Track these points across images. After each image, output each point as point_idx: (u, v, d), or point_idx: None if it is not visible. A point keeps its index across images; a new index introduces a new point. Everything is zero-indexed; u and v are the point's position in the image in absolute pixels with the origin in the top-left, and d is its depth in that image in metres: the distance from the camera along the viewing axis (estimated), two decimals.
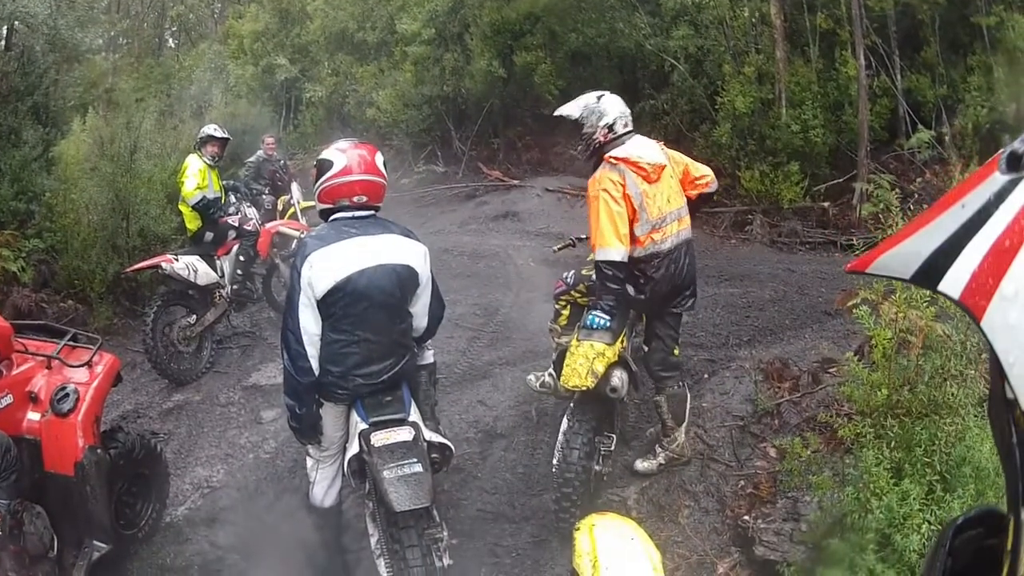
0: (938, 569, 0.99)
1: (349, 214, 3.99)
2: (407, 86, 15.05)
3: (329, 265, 3.81)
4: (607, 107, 4.75)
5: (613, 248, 4.53)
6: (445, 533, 3.90)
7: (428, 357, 4.51)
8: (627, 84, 12.57)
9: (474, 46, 14.98)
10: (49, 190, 9.29)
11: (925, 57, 12.00)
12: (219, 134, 8.45)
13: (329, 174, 3.97)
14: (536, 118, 14.86)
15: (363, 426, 3.84)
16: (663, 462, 5.07)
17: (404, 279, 3.95)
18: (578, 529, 2.12)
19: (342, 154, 4.01)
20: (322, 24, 16.28)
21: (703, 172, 5.03)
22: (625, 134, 4.73)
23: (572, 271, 5.30)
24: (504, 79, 14.83)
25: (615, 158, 4.63)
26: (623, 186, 4.54)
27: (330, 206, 4.01)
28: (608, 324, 4.61)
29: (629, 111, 4.85)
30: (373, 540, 4.01)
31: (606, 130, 4.71)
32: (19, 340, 4.92)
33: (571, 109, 4.83)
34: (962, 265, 0.79)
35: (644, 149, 4.70)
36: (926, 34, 11.93)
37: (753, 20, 13.30)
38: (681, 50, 13.35)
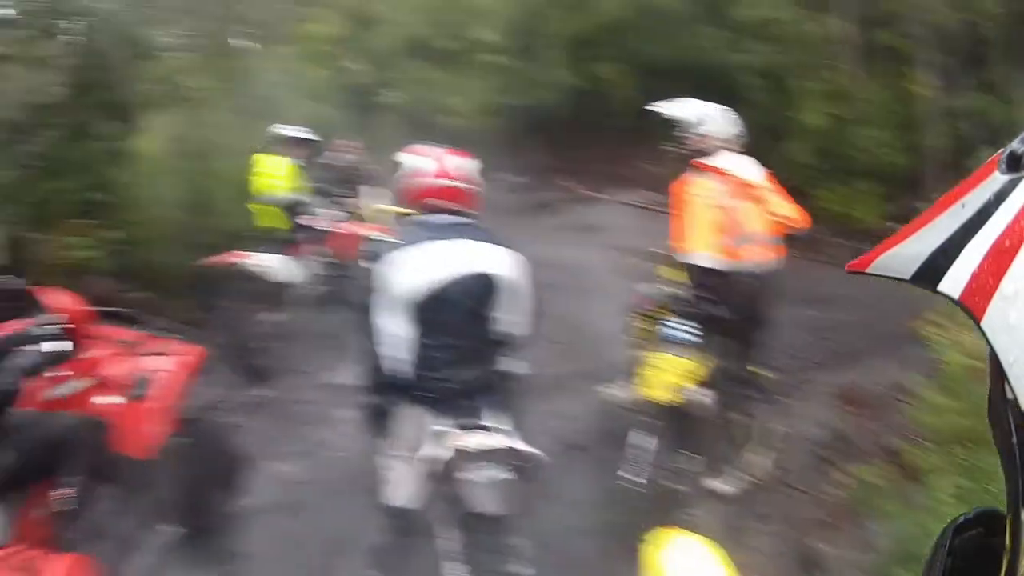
0: (937, 569, 0.99)
1: (440, 219, 3.99)
2: (484, 94, 15.03)
3: (418, 270, 3.83)
4: (710, 116, 4.75)
5: (700, 253, 4.51)
6: (519, 541, 3.91)
7: (514, 366, 4.47)
8: (703, 99, 12.53)
9: (551, 57, 14.96)
10: (123, 183, 9.44)
11: (990, 75, 11.78)
12: (300, 135, 8.60)
13: (414, 178, 4.02)
14: (613, 130, 14.80)
15: (446, 429, 3.83)
16: (738, 483, 5.04)
17: (494, 287, 3.93)
18: (648, 544, 2.11)
19: (427, 158, 4.06)
20: (397, 30, 16.31)
21: (787, 213, 4.97)
22: (722, 147, 4.71)
23: (651, 286, 5.28)
24: (582, 91, 14.80)
25: (705, 165, 4.61)
26: (714, 196, 4.53)
27: (421, 210, 4.04)
28: (691, 337, 4.60)
29: (736, 128, 4.82)
30: (446, 543, 3.99)
31: (702, 137, 4.69)
32: (101, 327, 5.02)
33: (673, 109, 4.83)
34: (962, 265, 0.79)
35: (738, 165, 4.68)
36: (991, 52, 11.74)
37: (823, 35, 13.04)
38: (755, 65, 13.25)
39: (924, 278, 0.83)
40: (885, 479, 4.40)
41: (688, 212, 4.57)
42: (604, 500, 5.05)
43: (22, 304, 4.66)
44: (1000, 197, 0.77)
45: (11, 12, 9.18)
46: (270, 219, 8.45)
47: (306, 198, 8.55)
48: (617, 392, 5.27)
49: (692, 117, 4.78)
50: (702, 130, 4.72)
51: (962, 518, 1.00)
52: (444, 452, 3.79)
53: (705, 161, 4.66)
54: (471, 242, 3.94)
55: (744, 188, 4.63)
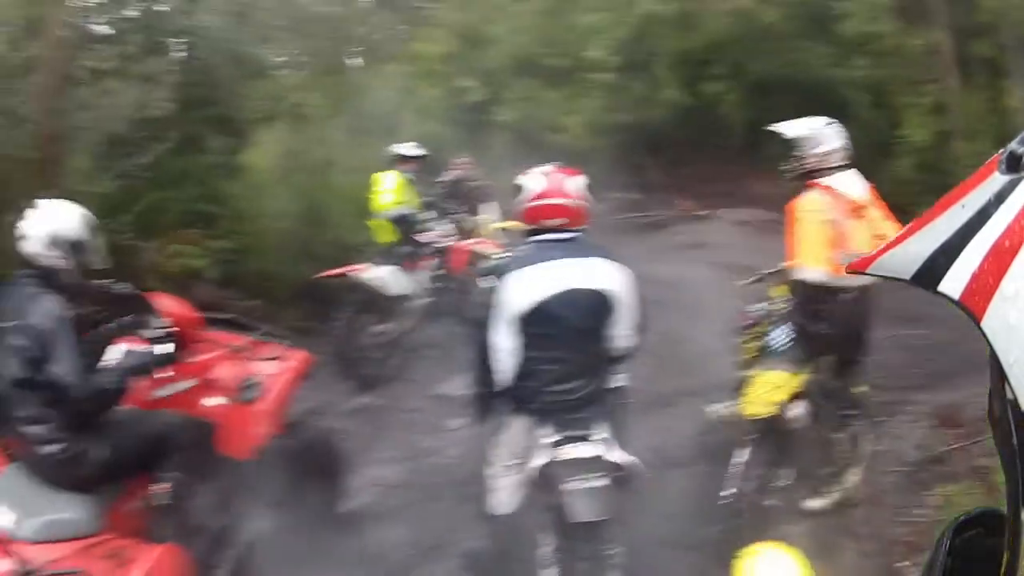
0: (937, 569, 0.98)
1: (551, 236, 4.06)
2: (597, 113, 14.96)
3: (529, 285, 3.92)
4: (827, 135, 4.73)
5: (811, 268, 4.49)
6: (617, 551, 3.91)
7: (619, 380, 4.49)
8: (810, 116, 12.38)
9: (661, 75, 14.90)
10: (236, 195, 9.63)
11: None
12: (415, 152, 8.75)
13: (530, 196, 4.07)
14: (725, 149, 14.71)
15: (551, 439, 3.91)
16: (834, 502, 4.98)
17: (602, 302, 3.99)
18: (740, 556, 2.10)
19: (543, 177, 4.12)
20: (507, 49, 16.40)
21: (887, 232, 4.91)
22: (838, 167, 4.69)
23: (758, 304, 5.26)
24: (692, 109, 14.72)
25: (822, 185, 4.59)
26: (826, 212, 4.50)
27: (533, 227, 4.10)
28: (793, 354, 4.58)
29: (848, 146, 4.80)
30: (544, 551, 4.04)
31: (819, 158, 4.67)
32: (209, 331, 5.17)
33: (790, 128, 4.82)
34: (962, 266, 0.79)
35: (852, 185, 4.65)
36: None
37: (923, 48, 12.76)
38: (860, 80, 13.04)
39: (924, 278, 0.83)
40: (974, 500, 4.30)
41: (800, 228, 4.55)
42: (700, 515, 5.03)
43: (132, 307, 4.82)
44: (1000, 197, 0.77)
45: (107, 28, 9.41)
46: (385, 234, 8.58)
47: (419, 213, 8.66)
48: (722, 410, 5.26)
49: (809, 136, 4.76)
50: (819, 149, 4.70)
51: (962, 518, 1.00)
52: (547, 461, 3.86)
53: (819, 179, 4.64)
54: (582, 259, 4.02)
55: (853, 206, 4.59)
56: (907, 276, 0.85)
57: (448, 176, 10.27)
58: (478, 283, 8.55)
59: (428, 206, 8.99)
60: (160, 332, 4.50)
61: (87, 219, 4.38)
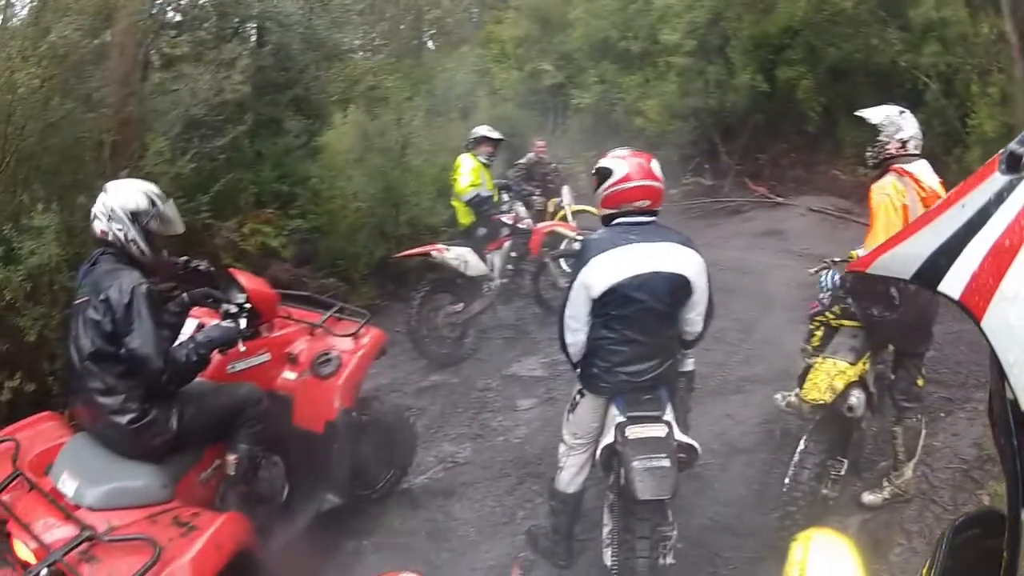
0: (937, 569, 1.00)
1: (630, 219, 4.11)
2: (673, 97, 14.90)
3: (608, 268, 3.96)
4: (906, 123, 4.72)
5: None
6: (674, 533, 3.97)
7: (688, 364, 4.61)
8: (883, 102, 12.21)
9: (736, 59, 14.75)
10: (313, 176, 9.76)
11: None
12: (492, 135, 8.75)
13: (612, 180, 4.11)
14: (800, 135, 14.53)
15: (620, 419, 3.97)
16: (888, 496, 4.98)
17: (678, 287, 4.03)
18: (795, 540, 2.13)
19: (623, 161, 4.15)
20: (584, 32, 16.34)
21: None
22: (914, 155, 4.69)
23: (828, 292, 5.25)
24: (767, 94, 14.56)
25: (902, 170, 4.58)
26: (904, 196, 4.50)
27: (614, 211, 4.14)
28: (860, 343, 4.60)
29: (920, 132, 4.79)
30: (605, 530, 4.19)
31: (900, 144, 4.67)
32: (286, 308, 5.30)
33: (873, 114, 4.81)
34: (962, 265, 0.79)
35: (926, 173, 4.65)
36: None
37: (992, 36, 12.42)
38: (932, 68, 12.80)
39: (924, 278, 0.84)
40: None
41: (876, 212, 4.54)
42: (759, 501, 5.08)
43: (209, 283, 4.95)
44: (1000, 197, 0.79)
45: (180, 16, 9.49)
46: (462, 215, 8.63)
47: (496, 195, 8.72)
48: (788, 399, 5.26)
49: (890, 123, 4.74)
50: (899, 136, 4.69)
51: (962, 518, 1.04)
52: (614, 440, 3.92)
53: (899, 166, 4.62)
54: (660, 243, 4.06)
55: (928, 194, 4.57)
56: (907, 275, 0.87)
57: (525, 159, 10.28)
58: (553, 265, 8.68)
59: (505, 188, 9.06)
60: (238, 307, 4.61)
61: (157, 195, 4.45)
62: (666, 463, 3.82)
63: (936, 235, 0.84)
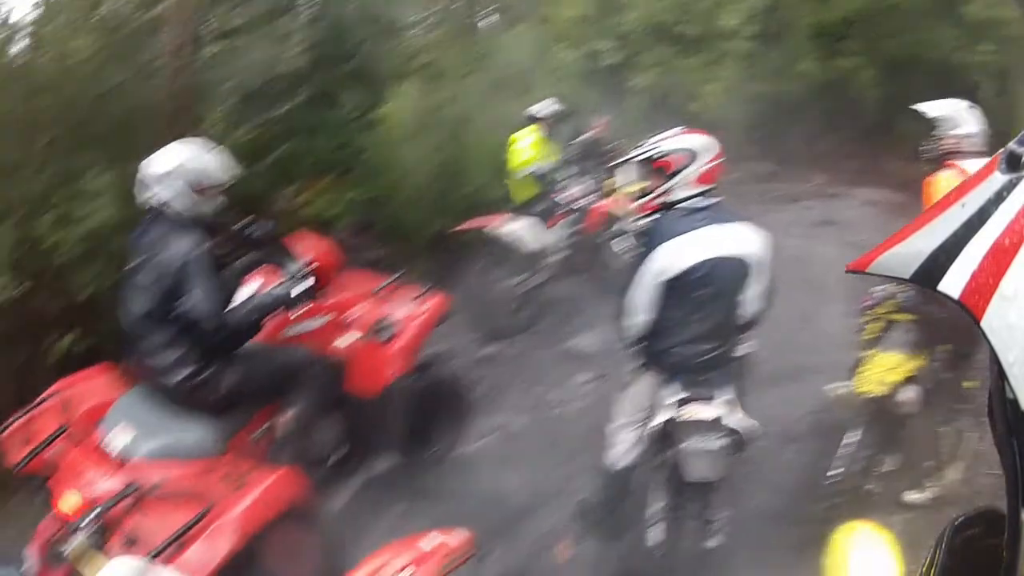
0: (937, 568, 1.00)
1: (701, 202, 4.10)
2: (730, 83, 14.76)
3: (680, 252, 3.97)
4: (966, 118, 4.69)
5: None
6: (722, 516, 4.06)
7: (746, 348, 4.61)
8: (940, 98, 12.09)
9: (794, 47, 14.63)
10: (370, 147, 9.81)
11: None
12: (552, 109, 8.84)
13: (710, 156, 4.11)
14: (857, 126, 14.40)
15: (675, 399, 4.00)
16: (931, 497, 4.95)
17: (744, 269, 4.05)
18: (838, 532, 2.14)
19: (704, 137, 4.17)
20: (640, 15, 16.18)
21: None
22: (973, 152, 4.65)
23: (883, 286, 5.21)
24: (824, 84, 14.43)
25: (958, 166, 4.55)
26: None
27: (673, 190, 4.12)
28: (913, 339, 4.59)
29: (983, 133, 4.75)
30: (653, 509, 4.20)
31: (957, 139, 4.64)
32: (349, 272, 5.40)
33: (932, 108, 4.78)
34: (962, 265, 0.79)
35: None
36: None
37: None
38: (984, 66, 12.63)
39: (924, 278, 0.85)
40: None
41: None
42: (806, 491, 5.08)
43: (268, 246, 5.01)
44: (1000, 197, 0.80)
45: None
46: (521, 191, 8.70)
47: (555, 171, 8.74)
48: (840, 390, 5.24)
49: (949, 117, 4.70)
50: (957, 131, 4.65)
51: (962, 518, 1.04)
52: (669, 419, 3.96)
53: (957, 162, 4.59)
54: (727, 224, 4.07)
55: None
56: (907, 275, 0.87)
57: (585, 136, 10.25)
58: (612, 243, 8.73)
59: (564, 164, 9.04)
60: (298, 270, 4.67)
61: (211, 155, 4.53)
62: (718, 445, 3.89)
63: (935, 235, 0.84)
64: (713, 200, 4.13)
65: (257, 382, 4.61)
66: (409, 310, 5.27)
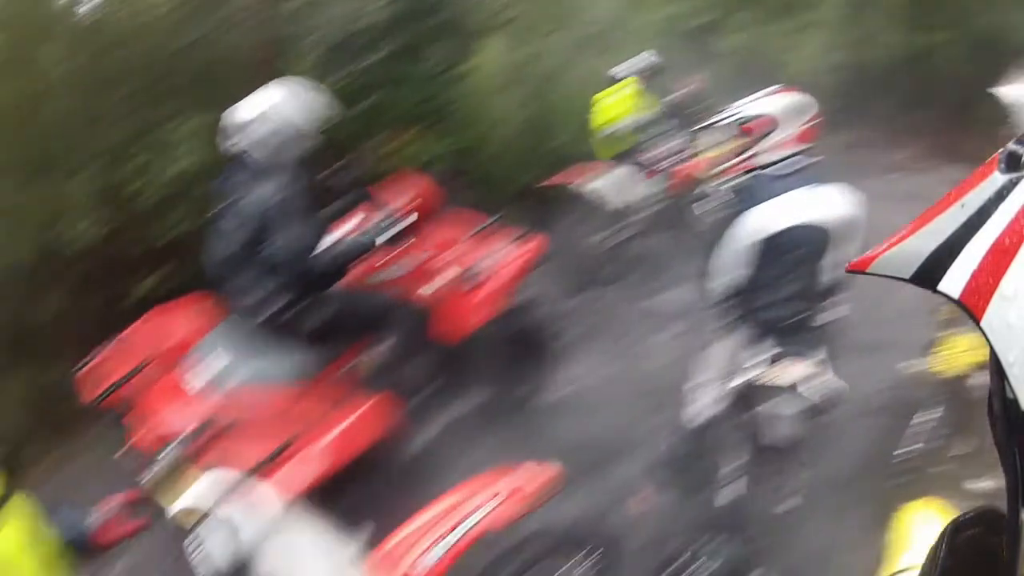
0: (936, 568, 1.00)
1: (797, 163, 4.13)
2: (817, 51, 14.52)
3: (772, 211, 3.97)
4: None
5: None
6: (795, 481, 4.13)
7: (837, 312, 4.57)
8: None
9: (881, 18, 14.36)
10: (456, 100, 9.88)
11: None
12: (647, 64, 8.95)
13: (812, 114, 4.16)
14: (948, 101, 14.11)
15: (761, 358, 4.02)
16: (994, 486, 4.92)
17: (838, 231, 4.02)
18: (902, 510, 2.18)
19: (793, 100, 4.20)
20: None
21: None
22: None
23: None
24: (915, 55, 14.17)
25: None
26: None
27: (768, 150, 4.14)
28: None
29: None
30: (728, 468, 4.23)
31: None
32: (444, 216, 5.56)
33: (1008, 92, 4.70)
34: (962, 265, 0.79)
35: None
36: None
37: None
38: None
39: (924, 278, 0.86)
40: None
41: None
42: (873, 466, 5.11)
43: (360, 193, 5.11)
44: (1000, 197, 0.81)
45: None
46: (609, 147, 8.77)
47: (649, 126, 8.79)
48: (916, 368, 5.22)
49: (1020, 104, 4.62)
50: None
51: (962, 518, 1.05)
52: (752, 380, 4.00)
53: None
54: (822, 186, 4.07)
55: None
56: (906, 275, 0.89)
57: (680, 93, 10.23)
58: (696, 206, 8.69)
59: (657, 120, 9.03)
60: (389, 216, 4.80)
61: (299, 101, 4.63)
62: (799, 407, 3.92)
63: (935, 235, 0.85)
64: (809, 161, 4.16)
65: (343, 322, 4.75)
66: (504, 254, 5.38)
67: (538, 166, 9.29)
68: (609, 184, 8.33)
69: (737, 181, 4.31)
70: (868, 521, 4.61)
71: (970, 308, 0.77)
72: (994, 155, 0.85)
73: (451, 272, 5.24)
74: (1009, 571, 0.83)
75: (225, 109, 4.65)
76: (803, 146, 4.16)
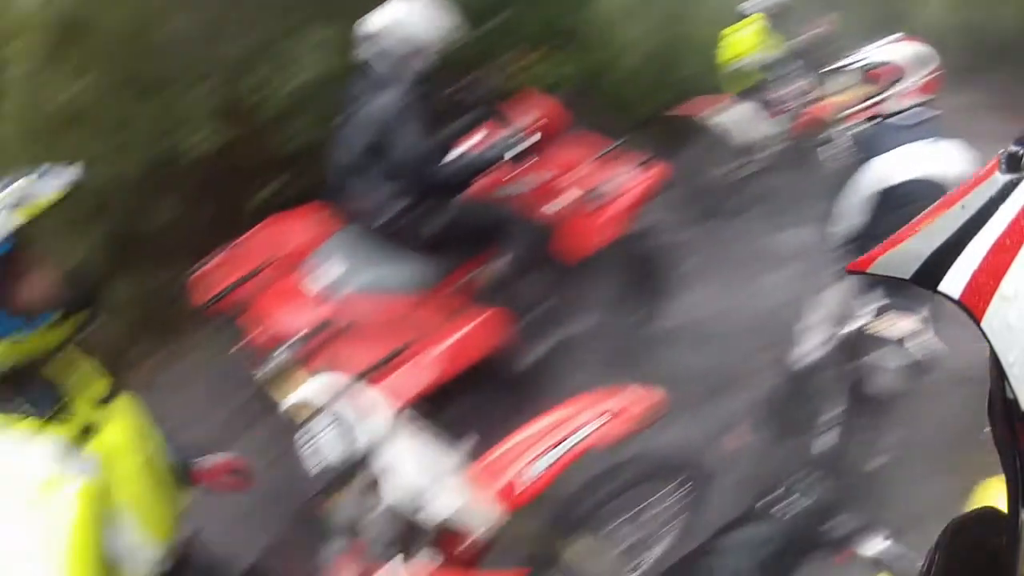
0: (936, 569, 0.98)
1: (919, 114, 4.08)
2: (947, 5, 14.07)
3: (894, 162, 3.95)
4: None
5: None
6: (887, 439, 4.18)
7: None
8: None
9: None
10: (588, 23, 9.75)
11: None
12: (769, 4, 8.76)
13: (915, 71, 4.10)
14: None
15: (872, 307, 3.99)
16: None
17: (952, 186, 3.95)
18: (981, 486, 2.19)
19: (916, 50, 4.15)
20: None
21: None
22: None
23: None
24: None
25: None
26: None
27: (910, 103, 4.09)
28: None
29: None
30: (827, 416, 4.25)
31: None
32: (571, 136, 5.57)
33: None
34: (962, 265, 0.78)
35: None
36: None
37: None
38: None
39: (924, 278, 0.84)
40: None
41: None
42: (962, 437, 4.96)
43: (489, 108, 5.17)
44: (1000, 197, 0.80)
45: None
46: (736, 84, 8.72)
47: (777, 65, 8.73)
48: None
49: None
50: None
51: (961, 518, 1.02)
52: (861, 328, 3.98)
53: None
54: (938, 141, 4.01)
55: None
56: (907, 275, 0.87)
57: (809, 33, 10.05)
58: (820, 150, 8.58)
59: (786, 59, 8.95)
60: (517, 132, 4.82)
61: (427, 15, 4.66)
62: (904, 361, 3.92)
63: (936, 235, 0.84)
64: (931, 113, 4.12)
65: (464, 233, 4.83)
66: (627, 178, 5.35)
67: (665, 95, 9.17)
68: (734, 119, 8.29)
69: (861, 128, 4.28)
70: (952, 491, 4.66)
71: (970, 309, 0.77)
72: (995, 156, 0.83)
73: (574, 192, 5.25)
74: (1009, 572, 0.84)
75: (352, 22, 4.74)
76: (926, 97, 4.12)
